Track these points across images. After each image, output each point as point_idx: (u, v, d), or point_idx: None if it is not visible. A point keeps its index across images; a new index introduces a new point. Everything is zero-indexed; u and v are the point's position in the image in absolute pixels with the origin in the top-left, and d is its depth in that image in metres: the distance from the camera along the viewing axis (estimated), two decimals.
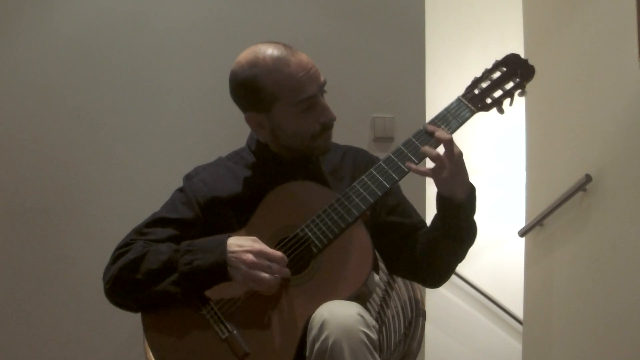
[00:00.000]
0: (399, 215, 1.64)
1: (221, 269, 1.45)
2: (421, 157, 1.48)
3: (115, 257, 1.54)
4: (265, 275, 1.42)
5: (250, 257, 1.43)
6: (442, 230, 1.52)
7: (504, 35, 3.92)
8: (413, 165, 1.47)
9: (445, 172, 1.44)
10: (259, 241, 1.48)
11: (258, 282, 1.43)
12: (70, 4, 2.60)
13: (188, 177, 1.68)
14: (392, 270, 1.70)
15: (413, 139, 1.52)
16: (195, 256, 1.47)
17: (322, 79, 1.56)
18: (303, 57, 1.54)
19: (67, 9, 2.60)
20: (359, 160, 1.70)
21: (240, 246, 1.45)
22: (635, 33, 2.28)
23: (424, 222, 1.65)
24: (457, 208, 1.48)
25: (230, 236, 1.49)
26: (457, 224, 1.50)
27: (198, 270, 1.45)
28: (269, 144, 1.63)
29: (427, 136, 1.51)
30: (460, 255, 1.57)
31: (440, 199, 1.50)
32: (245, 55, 1.56)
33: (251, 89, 1.54)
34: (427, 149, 1.46)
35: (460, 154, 1.46)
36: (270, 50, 1.53)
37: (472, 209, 1.52)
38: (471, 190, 1.50)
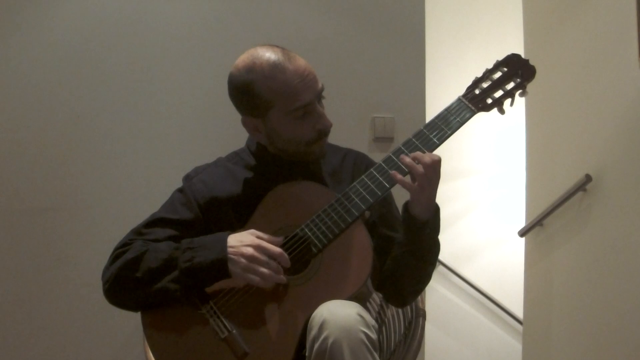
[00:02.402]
0: (383, 226, 1.63)
1: (222, 265, 1.45)
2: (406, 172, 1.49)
3: (114, 257, 1.54)
4: (264, 270, 1.42)
5: (250, 250, 1.44)
6: (405, 247, 1.53)
7: (504, 35, 3.92)
8: (399, 176, 1.47)
9: (425, 191, 1.46)
10: (259, 233, 1.48)
11: (256, 276, 1.43)
12: (69, 4, 2.60)
13: (187, 178, 1.68)
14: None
15: (413, 139, 1.52)
16: (195, 253, 1.47)
17: (319, 85, 1.55)
18: (301, 63, 1.53)
19: (67, 9, 2.60)
20: (359, 164, 1.69)
21: (241, 241, 1.46)
22: (635, 33, 2.28)
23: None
24: (419, 225, 1.50)
25: (230, 233, 1.49)
26: (420, 242, 1.52)
27: (198, 267, 1.46)
28: (267, 146, 1.63)
29: (426, 137, 1.52)
30: (422, 275, 1.58)
31: (406, 215, 1.51)
32: (243, 59, 1.55)
33: (247, 94, 1.54)
34: (409, 162, 1.47)
35: (439, 177, 1.47)
36: (267, 56, 1.52)
37: (434, 228, 1.53)
38: (436, 210, 1.52)
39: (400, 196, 1.71)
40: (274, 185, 1.58)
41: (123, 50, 2.61)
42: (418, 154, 1.47)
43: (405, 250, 1.53)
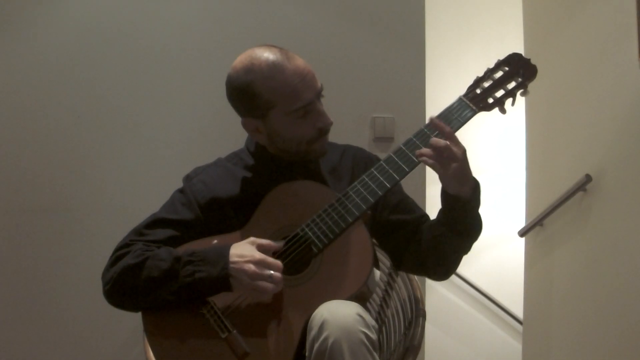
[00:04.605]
0: (402, 213, 1.64)
1: (223, 282, 1.45)
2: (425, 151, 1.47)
3: (115, 259, 1.54)
4: (268, 284, 1.42)
5: (251, 267, 1.42)
6: (448, 226, 1.52)
7: (503, 35, 3.92)
8: (424, 150, 1.46)
9: (446, 171, 1.44)
10: (259, 241, 1.47)
11: (261, 292, 1.43)
12: (70, 4, 2.60)
13: (188, 178, 1.68)
14: (400, 267, 1.69)
15: (414, 139, 1.52)
16: (196, 268, 1.46)
17: (318, 84, 1.55)
18: (299, 62, 1.53)
19: (67, 9, 2.60)
20: (358, 159, 1.69)
21: (241, 256, 1.45)
22: (635, 33, 2.28)
23: (426, 216, 1.66)
24: (464, 204, 1.49)
25: (230, 245, 1.48)
26: (464, 220, 1.51)
27: (200, 283, 1.45)
28: (266, 146, 1.63)
29: (428, 136, 1.51)
30: (465, 249, 1.58)
31: (446, 196, 1.50)
32: (241, 60, 1.55)
33: (246, 96, 1.54)
34: (435, 139, 1.45)
35: (463, 152, 1.46)
36: (265, 56, 1.52)
37: (476, 203, 1.52)
38: (476, 185, 1.51)
39: (407, 192, 1.72)
40: (274, 185, 1.58)
41: (123, 50, 2.61)
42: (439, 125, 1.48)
43: (447, 229, 1.52)
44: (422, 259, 1.59)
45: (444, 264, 1.59)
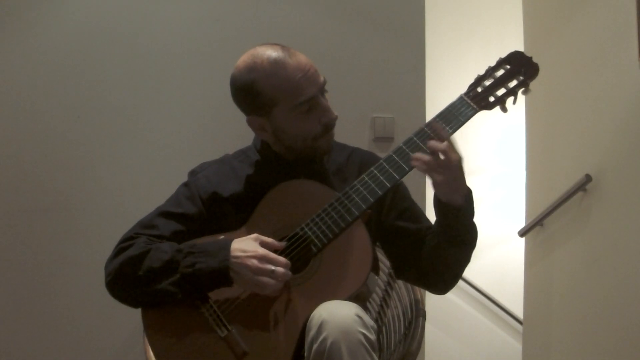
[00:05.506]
0: (407, 220, 1.63)
1: (223, 274, 1.45)
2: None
3: (119, 251, 1.55)
4: (270, 280, 1.42)
5: (254, 262, 1.42)
6: (442, 236, 1.52)
7: (504, 35, 3.92)
8: (418, 155, 1.44)
9: (440, 177, 1.43)
10: (263, 238, 1.47)
11: (262, 288, 1.43)
12: (70, 4, 2.60)
13: (193, 173, 1.69)
14: (401, 277, 1.69)
15: (414, 138, 1.52)
16: (197, 259, 1.46)
17: (321, 79, 1.55)
18: (301, 58, 1.54)
19: (67, 9, 2.60)
20: (366, 163, 1.66)
21: (244, 251, 1.45)
22: (635, 33, 2.28)
23: (432, 227, 1.62)
24: (454, 212, 1.48)
25: (232, 240, 1.48)
26: (456, 228, 1.50)
27: (199, 274, 1.45)
28: (271, 144, 1.63)
29: (428, 136, 1.51)
30: (462, 259, 1.56)
31: (438, 203, 1.50)
32: (243, 59, 1.56)
33: (250, 94, 1.54)
34: (432, 143, 1.44)
35: (459, 160, 1.44)
36: (267, 54, 1.53)
37: (470, 212, 1.51)
38: (468, 193, 1.50)
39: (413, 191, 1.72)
40: (277, 183, 1.58)
41: (123, 50, 2.61)
42: (437, 130, 1.46)
43: (442, 239, 1.52)
44: (422, 272, 1.59)
45: (441, 276, 1.58)
